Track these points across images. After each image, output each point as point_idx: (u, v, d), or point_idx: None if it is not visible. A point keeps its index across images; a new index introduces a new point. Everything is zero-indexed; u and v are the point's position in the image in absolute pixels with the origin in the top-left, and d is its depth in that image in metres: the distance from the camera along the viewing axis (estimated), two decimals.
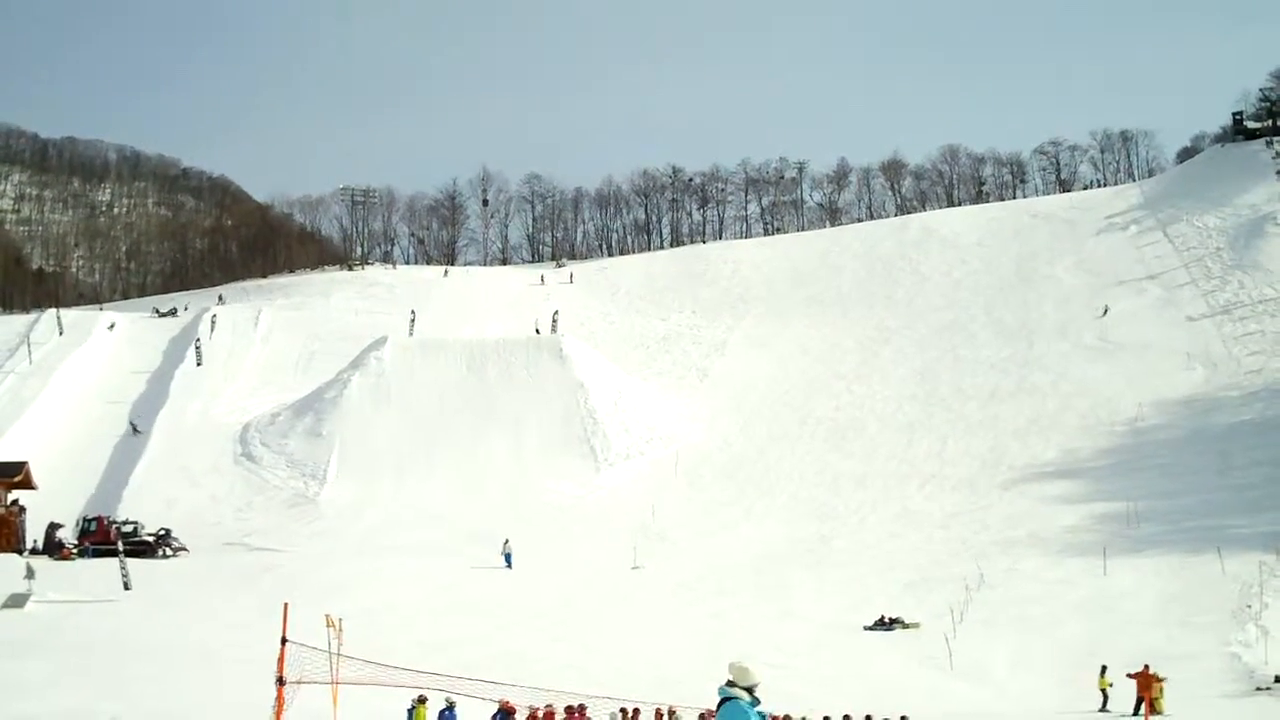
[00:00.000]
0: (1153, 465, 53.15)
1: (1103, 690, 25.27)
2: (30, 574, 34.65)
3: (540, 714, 19.90)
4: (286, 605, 15.62)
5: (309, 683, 15.09)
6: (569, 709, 19.41)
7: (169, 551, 47.08)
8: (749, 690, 8.35)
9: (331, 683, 15.72)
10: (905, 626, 33.34)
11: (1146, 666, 24.78)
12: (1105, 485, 51.49)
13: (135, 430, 67.24)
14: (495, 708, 19.15)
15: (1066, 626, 32.71)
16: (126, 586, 36.76)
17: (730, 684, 8.35)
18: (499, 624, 33.19)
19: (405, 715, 19.40)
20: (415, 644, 26.69)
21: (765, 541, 48.76)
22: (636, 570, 43.85)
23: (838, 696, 25.25)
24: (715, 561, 45.15)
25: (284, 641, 14.88)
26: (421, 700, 19.06)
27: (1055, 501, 50.28)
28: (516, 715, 19.34)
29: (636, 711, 20.15)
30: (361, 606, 30.15)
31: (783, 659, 27.82)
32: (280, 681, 14.64)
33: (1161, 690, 24.26)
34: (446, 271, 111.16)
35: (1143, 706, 24.08)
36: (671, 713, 20.32)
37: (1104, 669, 25.49)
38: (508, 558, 41.86)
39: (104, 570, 39.53)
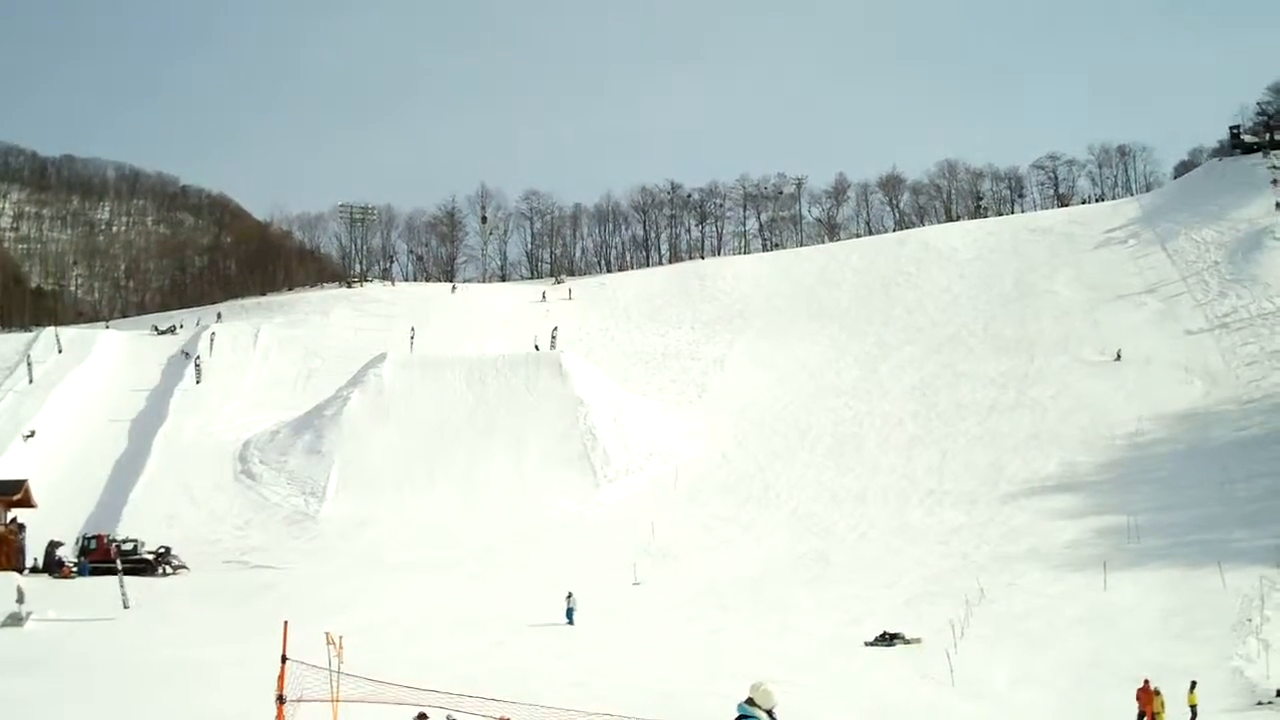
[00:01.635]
0: (1153, 479, 53.16)
1: (1191, 706, 24.77)
2: (20, 597, 34.57)
3: None
4: (286, 623, 15.64)
5: (309, 701, 15.10)
6: None
7: (169, 569, 47.08)
8: (768, 713, 8.38)
9: (332, 700, 15.73)
10: (906, 642, 33.25)
11: (1148, 681, 24.71)
12: (1105, 499, 51.47)
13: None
14: None
15: (1067, 641, 32.65)
16: (125, 605, 36.71)
17: (750, 702, 8.38)
18: (499, 640, 33.14)
19: None
20: (415, 661, 26.61)
21: (765, 557, 48.72)
22: (637, 586, 43.82)
23: (839, 712, 25.23)
24: (715, 577, 45.10)
25: (284, 659, 14.89)
26: (422, 718, 19.00)
27: (1055, 516, 50.25)
28: None
29: None
30: (361, 623, 30.13)
31: (783, 675, 27.73)
32: (280, 700, 14.65)
33: (1163, 705, 24.19)
34: (454, 288, 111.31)
35: None
36: None
37: (1193, 684, 24.89)
38: (569, 613, 37.02)
39: (104, 588, 39.46)
